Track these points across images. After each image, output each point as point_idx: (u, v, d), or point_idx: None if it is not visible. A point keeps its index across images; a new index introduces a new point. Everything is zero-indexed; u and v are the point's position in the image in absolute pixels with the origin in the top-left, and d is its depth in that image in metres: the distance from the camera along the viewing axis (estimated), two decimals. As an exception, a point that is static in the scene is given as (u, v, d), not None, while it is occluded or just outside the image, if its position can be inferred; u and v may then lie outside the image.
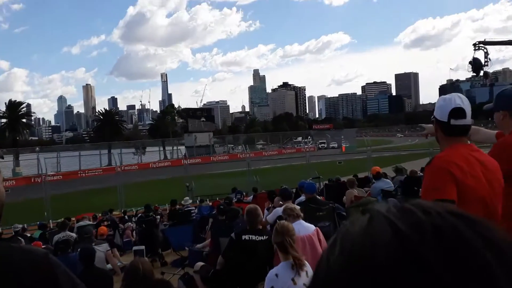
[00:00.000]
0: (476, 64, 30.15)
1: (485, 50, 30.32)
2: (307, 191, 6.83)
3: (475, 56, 30.58)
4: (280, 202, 7.08)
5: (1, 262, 1.07)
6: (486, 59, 30.38)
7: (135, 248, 8.43)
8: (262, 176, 26.07)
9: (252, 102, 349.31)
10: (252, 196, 13.28)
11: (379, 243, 0.44)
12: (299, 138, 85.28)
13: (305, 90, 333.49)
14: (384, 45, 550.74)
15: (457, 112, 2.23)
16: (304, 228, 4.77)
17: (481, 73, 30.77)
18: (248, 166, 25.98)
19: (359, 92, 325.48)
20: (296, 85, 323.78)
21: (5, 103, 72.01)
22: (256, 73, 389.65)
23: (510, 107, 2.70)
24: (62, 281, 1.13)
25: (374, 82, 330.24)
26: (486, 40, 32.73)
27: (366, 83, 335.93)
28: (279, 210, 6.48)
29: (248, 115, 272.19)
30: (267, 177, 26.74)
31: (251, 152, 41.87)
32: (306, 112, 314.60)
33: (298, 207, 5.11)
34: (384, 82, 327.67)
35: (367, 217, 0.49)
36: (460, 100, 2.24)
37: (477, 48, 30.73)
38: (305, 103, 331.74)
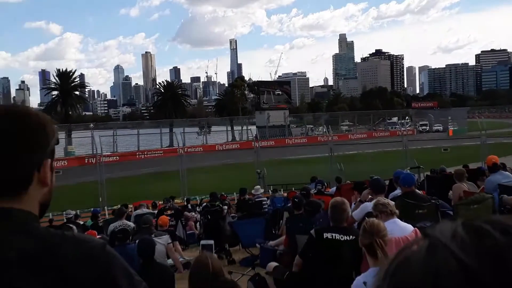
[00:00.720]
0: None
1: None
2: (404, 184, 6.67)
3: None
4: (370, 196, 6.97)
5: (52, 253, 1.12)
6: None
7: (203, 242, 8.73)
8: (348, 164, 25.79)
9: (336, 74, 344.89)
10: (335, 188, 13.18)
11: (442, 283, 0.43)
12: (395, 119, 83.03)
13: (403, 59, 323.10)
14: (506, 3, 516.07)
15: None
16: (400, 228, 4.68)
17: None
18: (331, 152, 25.77)
19: (472, 62, 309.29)
20: (391, 53, 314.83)
21: (55, 72, 75.91)
22: (342, 38, 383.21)
23: None
24: (120, 276, 1.17)
25: (492, 50, 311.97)
26: None
27: (481, 51, 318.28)
28: (368, 206, 6.39)
29: (332, 89, 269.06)
30: (353, 166, 26.41)
31: (334, 134, 41.38)
32: (404, 86, 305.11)
33: (392, 203, 5.01)
34: (505, 50, 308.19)
35: (425, 244, 0.47)
36: None
37: None
38: (403, 75, 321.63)
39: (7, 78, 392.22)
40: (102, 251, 1.18)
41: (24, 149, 1.17)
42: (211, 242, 8.36)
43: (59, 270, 1.10)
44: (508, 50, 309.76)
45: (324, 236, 4.93)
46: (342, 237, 4.91)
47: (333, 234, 4.92)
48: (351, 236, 4.89)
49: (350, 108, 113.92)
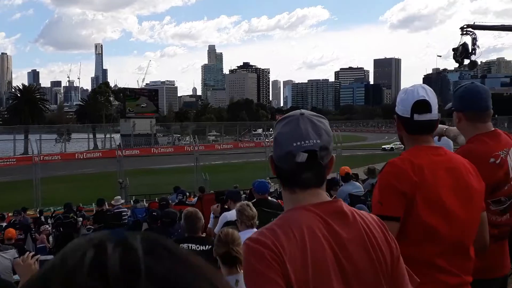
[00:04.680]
0: (461, 52, 30.85)
1: (473, 36, 31.05)
2: (258, 191, 6.79)
3: (463, 42, 31.34)
4: (226, 206, 7.05)
5: None
6: (474, 46, 31.16)
7: (42, 257, 8.17)
8: (213, 174, 26.03)
9: (205, 84, 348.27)
10: (197, 198, 13.16)
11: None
12: (260, 130, 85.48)
13: (269, 73, 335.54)
14: (368, 24, 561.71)
15: (421, 106, 2.23)
16: (254, 237, 4.70)
17: (466, 62, 31.48)
18: (196, 162, 25.87)
19: (332, 78, 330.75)
20: (258, 67, 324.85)
21: None
22: (211, 49, 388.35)
23: (464, 109, 2.74)
24: None
25: (350, 68, 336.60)
26: (475, 23, 33.45)
27: (340, 69, 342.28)
28: (227, 216, 6.41)
29: (200, 99, 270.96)
30: (218, 176, 26.72)
31: (201, 144, 41.55)
32: (269, 99, 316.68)
33: (255, 215, 4.99)
34: (361, 69, 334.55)
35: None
36: (424, 91, 2.24)
37: (464, 32, 31.44)
38: (269, 88, 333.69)
39: None
40: None
41: None
42: (51, 257, 7.84)
43: None
44: (365, 68, 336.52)
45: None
46: (198, 247, 4.86)
47: (189, 245, 4.87)
48: (207, 246, 4.86)
49: (217, 119, 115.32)
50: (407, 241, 2.04)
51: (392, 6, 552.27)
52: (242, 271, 3.61)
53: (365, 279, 1.48)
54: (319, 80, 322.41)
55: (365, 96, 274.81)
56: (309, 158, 1.48)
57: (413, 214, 2.14)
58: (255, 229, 4.82)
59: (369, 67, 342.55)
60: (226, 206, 7.13)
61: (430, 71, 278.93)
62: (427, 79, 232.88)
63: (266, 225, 1.54)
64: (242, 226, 4.80)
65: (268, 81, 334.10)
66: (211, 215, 7.29)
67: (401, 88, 2.61)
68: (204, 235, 5.67)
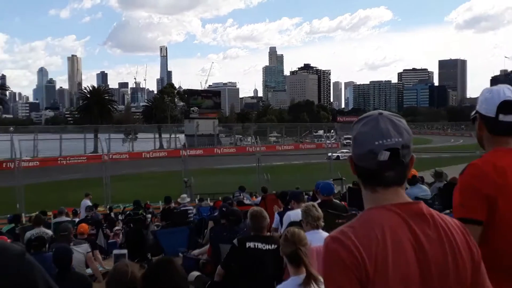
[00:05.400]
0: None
1: (550, 36, 29.54)
2: (323, 193, 6.79)
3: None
4: (289, 207, 7.09)
5: None
6: (549, 47, 29.63)
7: (115, 252, 8.51)
8: (274, 174, 26.09)
9: (266, 86, 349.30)
10: (260, 197, 13.30)
11: None
12: (320, 132, 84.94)
13: (330, 74, 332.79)
14: (432, 24, 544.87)
15: (507, 106, 2.16)
16: (321, 237, 4.73)
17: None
18: (258, 162, 26.01)
19: (394, 79, 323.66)
20: (319, 68, 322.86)
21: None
22: (272, 51, 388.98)
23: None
24: (40, 285, 1.11)
25: (413, 69, 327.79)
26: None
27: (404, 70, 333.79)
28: (290, 215, 6.47)
29: (261, 101, 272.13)
30: (279, 176, 26.77)
31: (262, 145, 41.80)
32: (330, 100, 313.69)
33: (321, 216, 5.01)
34: (425, 70, 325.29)
35: None
36: (510, 92, 2.17)
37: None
38: (330, 90, 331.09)
39: None
40: (21, 259, 1.11)
41: None
42: (125, 251, 8.15)
43: None
44: (429, 70, 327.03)
45: (247, 246, 4.91)
46: (264, 246, 4.90)
47: (256, 243, 4.91)
48: (273, 245, 4.91)
49: (278, 120, 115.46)
50: (487, 246, 1.96)
51: (458, 6, 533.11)
52: (307, 270, 3.67)
53: (445, 283, 1.46)
54: (381, 81, 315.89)
55: (429, 97, 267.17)
56: (391, 156, 1.49)
57: (495, 218, 2.05)
58: (320, 230, 4.85)
59: (434, 68, 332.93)
60: (290, 207, 7.19)
61: (497, 73, 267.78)
62: (494, 81, 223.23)
63: (347, 223, 1.55)
64: (307, 227, 4.82)
65: (329, 82, 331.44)
66: (276, 215, 7.38)
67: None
68: (268, 234, 5.74)
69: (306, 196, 10.14)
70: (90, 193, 18.34)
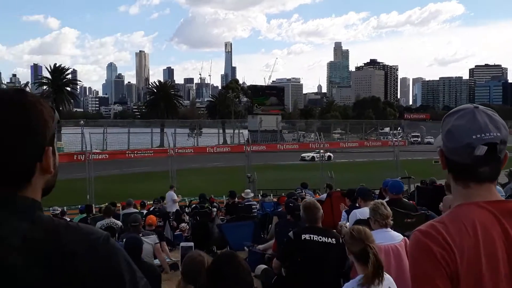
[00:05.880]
0: None
1: None
2: (392, 191, 6.68)
3: None
4: (356, 204, 7.03)
5: (55, 241, 1.11)
6: None
7: (182, 244, 8.72)
8: (338, 172, 25.84)
9: (330, 82, 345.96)
10: (325, 194, 13.23)
11: None
12: (387, 129, 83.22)
13: (397, 70, 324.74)
14: (507, 19, 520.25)
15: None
16: (389, 236, 4.68)
17: None
18: (321, 159, 25.84)
19: (466, 76, 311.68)
20: (386, 64, 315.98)
21: (49, 66, 75.73)
22: (337, 46, 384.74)
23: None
24: (123, 270, 1.16)
25: (486, 65, 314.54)
26: None
27: (476, 66, 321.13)
28: (357, 213, 6.42)
29: (325, 97, 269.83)
30: (343, 174, 26.48)
31: (326, 142, 41.42)
32: (397, 97, 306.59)
33: (390, 214, 4.94)
34: (499, 66, 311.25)
35: None
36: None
37: None
38: (397, 86, 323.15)
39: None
40: (106, 243, 1.16)
41: (24, 143, 1.14)
42: (191, 244, 8.33)
43: (62, 259, 1.09)
44: (502, 66, 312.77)
45: (303, 238, 4.90)
46: (320, 238, 4.88)
47: (312, 235, 4.89)
48: (329, 239, 4.89)
49: (342, 117, 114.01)
50: None
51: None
52: (375, 267, 3.63)
53: None
54: (451, 77, 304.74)
55: (503, 95, 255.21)
56: (488, 151, 1.45)
57: None
58: (389, 229, 4.78)
59: (508, 65, 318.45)
60: (357, 204, 7.13)
61: None
62: None
63: (436, 218, 1.53)
64: (376, 225, 4.75)
65: (396, 78, 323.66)
66: (343, 213, 7.34)
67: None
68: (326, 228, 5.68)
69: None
70: (174, 184, 19.02)
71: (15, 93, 1.18)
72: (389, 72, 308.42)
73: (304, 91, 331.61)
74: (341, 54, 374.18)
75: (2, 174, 1.14)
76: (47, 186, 1.25)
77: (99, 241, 1.15)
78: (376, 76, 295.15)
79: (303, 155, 48.54)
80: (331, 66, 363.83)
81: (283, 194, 18.91)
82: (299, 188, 15.27)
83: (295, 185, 18.63)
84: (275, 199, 16.74)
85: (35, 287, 1.07)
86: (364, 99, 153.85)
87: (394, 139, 30.06)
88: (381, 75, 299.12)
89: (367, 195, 7.05)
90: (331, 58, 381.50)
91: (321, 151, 28.85)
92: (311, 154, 47.27)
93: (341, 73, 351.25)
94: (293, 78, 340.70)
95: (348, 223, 6.66)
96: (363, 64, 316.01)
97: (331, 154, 33.81)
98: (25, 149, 1.14)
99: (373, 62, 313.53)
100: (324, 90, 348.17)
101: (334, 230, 5.63)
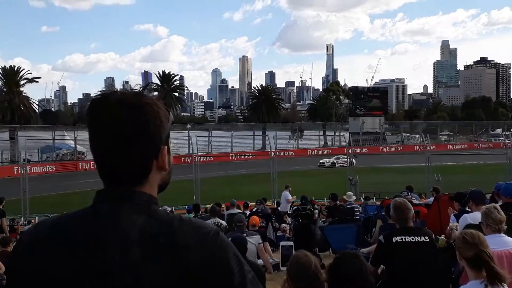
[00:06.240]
0: None
1: None
2: (506, 194, 6.32)
3: None
4: (467, 208, 6.71)
5: (170, 235, 1.19)
6: None
7: (282, 243, 8.81)
8: (445, 175, 24.76)
9: (437, 82, 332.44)
10: (432, 198, 12.75)
11: None
12: (499, 130, 78.56)
13: (510, 68, 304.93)
14: None
15: None
16: (503, 241, 4.46)
17: None
18: (428, 162, 24.87)
19: None
20: (497, 62, 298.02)
21: (158, 73, 79.91)
22: (445, 45, 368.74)
23: None
24: (233, 263, 1.22)
25: None
26: None
27: None
28: (467, 218, 6.16)
29: (431, 97, 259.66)
30: (451, 177, 25.33)
31: (432, 144, 39.83)
32: (510, 96, 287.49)
33: (504, 219, 4.70)
34: None
35: None
36: None
37: None
38: (509, 85, 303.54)
39: (112, 77, 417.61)
40: (217, 237, 1.23)
41: (142, 142, 1.24)
42: (291, 243, 8.39)
43: (176, 251, 1.17)
44: None
45: (394, 240, 4.75)
46: (413, 239, 4.72)
47: (403, 237, 4.73)
48: (421, 237, 4.74)
49: (450, 118, 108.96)
50: None
51: None
52: (492, 272, 3.47)
53: None
54: None
55: None
56: None
57: None
58: (502, 234, 4.55)
59: None
60: (468, 208, 6.82)
61: None
62: None
63: None
64: (488, 229, 4.54)
65: (509, 77, 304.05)
66: (452, 217, 7.06)
67: None
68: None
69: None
70: (289, 185, 19.53)
71: (134, 96, 1.28)
72: (501, 70, 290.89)
73: (409, 92, 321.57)
74: (448, 52, 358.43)
75: (123, 171, 1.24)
76: (163, 183, 1.35)
77: (209, 234, 1.22)
78: (487, 75, 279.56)
79: (321, 161, 46.59)
80: (437, 65, 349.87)
81: (386, 197, 18.50)
82: (405, 191, 14.85)
83: (397, 188, 18.10)
84: (378, 203, 16.42)
85: (152, 279, 1.14)
86: (474, 99, 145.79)
87: (507, 141, 28.16)
88: (492, 73, 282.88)
89: (480, 199, 6.66)
90: (437, 57, 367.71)
91: (344, 156, 27.95)
92: (330, 160, 45.63)
93: (448, 73, 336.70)
94: (397, 78, 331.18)
95: (458, 225, 6.40)
96: (473, 63, 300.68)
97: (354, 160, 31.99)
98: (143, 148, 1.24)
99: (483, 60, 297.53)
100: (430, 90, 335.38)
101: (441, 235, 5.44)
